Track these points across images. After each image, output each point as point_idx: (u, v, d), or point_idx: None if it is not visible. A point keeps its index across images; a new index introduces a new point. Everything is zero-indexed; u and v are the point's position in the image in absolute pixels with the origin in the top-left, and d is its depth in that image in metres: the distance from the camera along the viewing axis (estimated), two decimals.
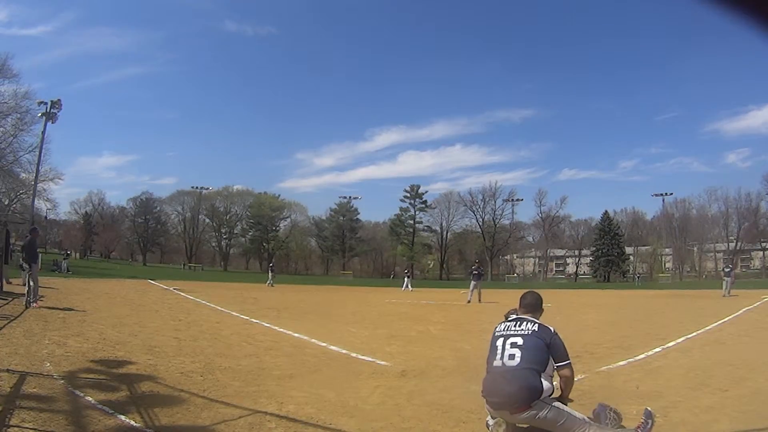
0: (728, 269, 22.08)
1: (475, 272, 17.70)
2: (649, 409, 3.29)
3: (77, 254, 63.98)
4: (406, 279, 28.63)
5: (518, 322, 3.33)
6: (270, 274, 28.71)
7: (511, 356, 3.15)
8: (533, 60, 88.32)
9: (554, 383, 3.21)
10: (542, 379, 3.08)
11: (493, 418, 3.23)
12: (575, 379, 3.34)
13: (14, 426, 3.16)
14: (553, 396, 3.17)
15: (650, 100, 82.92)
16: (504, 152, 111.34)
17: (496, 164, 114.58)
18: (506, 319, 3.45)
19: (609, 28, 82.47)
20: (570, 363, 3.22)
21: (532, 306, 3.46)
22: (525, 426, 3.25)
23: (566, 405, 3.21)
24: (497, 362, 3.21)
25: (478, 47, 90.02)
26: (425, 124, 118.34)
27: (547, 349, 3.16)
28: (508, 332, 3.29)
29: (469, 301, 16.78)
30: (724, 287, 20.53)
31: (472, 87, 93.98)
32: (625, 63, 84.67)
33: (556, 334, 3.24)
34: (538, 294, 3.57)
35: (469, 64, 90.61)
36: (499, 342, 3.27)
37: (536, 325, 3.27)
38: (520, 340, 3.19)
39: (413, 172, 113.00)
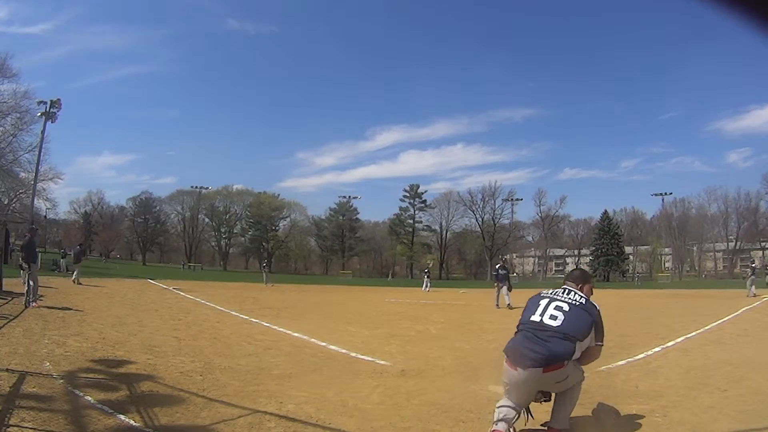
0: (753, 267, 21.30)
1: (503, 272, 14.84)
2: None
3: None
4: (426, 279, 28.38)
5: (566, 291, 3.35)
6: (264, 273, 28.47)
7: (553, 317, 3.14)
8: (535, 59, 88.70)
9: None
10: (576, 347, 3.11)
11: (507, 399, 3.12)
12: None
13: (14, 425, 3.15)
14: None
15: (652, 99, 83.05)
16: (505, 152, 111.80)
17: (497, 164, 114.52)
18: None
19: (611, 27, 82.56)
20: (602, 346, 3.25)
21: (580, 278, 3.49)
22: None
23: None
24: (535, 317, 3.18)
25: (480, 46, 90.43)
26: (427, 123, 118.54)
27: (591, 324, 3.17)
28: (555, 296, 3.31)
29: (508, 305, 13.46)
30: (748, 286, 19.90)
31: (473, 86, 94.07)
32: (627, 62, 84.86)
33: (600, 313, 3.28)
34: (584, 270, 3.71)
35: (471, 63, 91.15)
36: (544, 301, 3.27)
37: (584, 299, 3.30)
38: (566, 306, 3.19)
39: (414, 171, 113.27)
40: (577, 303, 3.23)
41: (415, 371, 5.44)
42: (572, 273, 3.62)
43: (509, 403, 3.10)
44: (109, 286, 17.74)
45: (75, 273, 17.82)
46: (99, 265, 41.94)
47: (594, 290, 3.59)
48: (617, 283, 51.28)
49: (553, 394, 3.23)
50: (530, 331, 3.13)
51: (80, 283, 17.19)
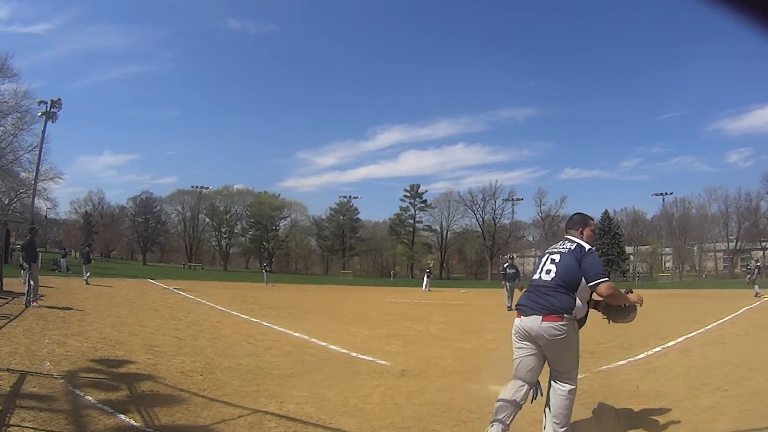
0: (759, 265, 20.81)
1: (511, 271, 14.36)
2: None
3: (77, 254, 63.95)
4: (425, 278, 28.55)
5: (564, 241, 3.35)
6: (264, 273, 28.79)
7: (548, 271, 3.20)
8: (537, 58, 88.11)
9: (586, 307, 3.15)
10: (576, 297, 3.07)
11: (508, 386, 3.12)
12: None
13: (14, 425, 3.15)
14: (584, 322, 3.16)
15: (653, 99, 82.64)
16: (506, 151, 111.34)
17: (498, 163, 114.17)
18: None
19: (612, 27, 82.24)
20: (604, 280, 3.07)
21: (577, 223, 3.41)
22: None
23: (631, 314, 3.27)
24: (536, 276, 3.27)
25: (481, 45, 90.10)
26: (427, 122, 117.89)
27: (578, 268, 3.10)
28: (554, 249, 3.32)
29: (510, 308, 12.95)
30: (753, 285, 19.62)
31: (474, 86, 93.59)
32: (628, 62, 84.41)
33: (591, 251, 3.17)
34: (583, 213, 3.54)
35: (472, 62, 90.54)
36: (545, 258, 3.31)
37: (575, 244, 3.24)
38: (558, 257, 3.22)
39: (415, 171, 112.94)
40: (567, 250, 3.22)
41: (415, 371, 5.45)
42: (571, 218, 3.49)
43: (508, 394, 3.09)
44: (116, 286, 17.79)
45: (87, 274, 18.19)
46: (99, 265, 41.95)
47: None
48: (618, 283, 50.69)
49: (547, 409, 3.15)
50: (533, 288, 3.24)
51: (88, 284, 17.44)
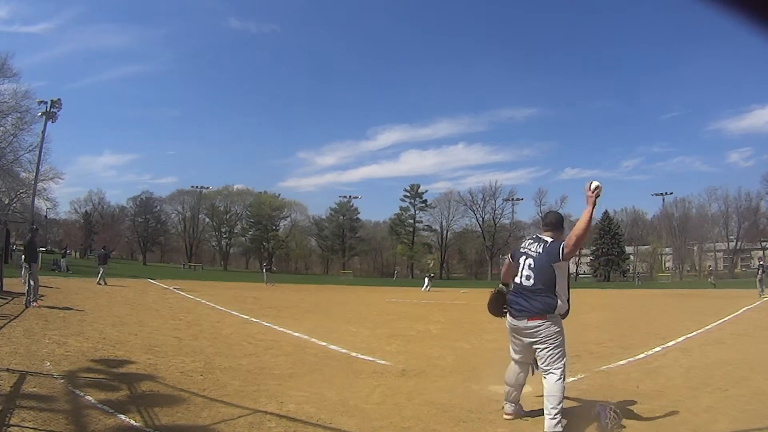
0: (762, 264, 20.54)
1: None
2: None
3: (77, 254, 63.94)
4: (426, 279, 28.63)
5: (537, 242, 3.55)
6: (264, 273, 28.95)
7: (527, 277, 3.47)
8: (538, 58, 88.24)
9: (567, 303, 3.48)
10: (556, 296, 3.39)
11: (509, 371, 3.72)
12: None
13: (14, 425, 3.15)
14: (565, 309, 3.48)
15: (654, 99, 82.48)
16: (507, 151, 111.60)
17: (498, 163, 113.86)
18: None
19: (613, 26, 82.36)
20: (563, 247, 3.36)
21: (552, 225, 3.62)
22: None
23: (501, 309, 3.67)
24: (518, 280, 3.54)
25: (481, 45, 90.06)
26: (428, 122, 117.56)
27: (552, 266, 3.38)
28: (528, 251, 3.53)
29: None
30: (759, 286, 19.36)
31: (475, 85, 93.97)
32: (629, 61, 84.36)
33: (559, 244, 3.39)
34: (559, 214, 3.82)
35: (472, 62, 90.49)
36: (522, 260, 3.54)
37: (548, 244, 3.46)
38: (532, 262, 3.46)
39: (415, 171, 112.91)
40: (537, 254, 3.46)
41: (415, 371, 5.45)
42: (547, 218, 3.75)
43: (511, 380, 3.65)
44: (119, 286, 17.78)
45: (100, 274, 18.52)
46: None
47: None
48: (618, 283, 51.25)
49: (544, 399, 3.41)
50: (518, 291, 3.54)
51: (105, 284, 17.89)
